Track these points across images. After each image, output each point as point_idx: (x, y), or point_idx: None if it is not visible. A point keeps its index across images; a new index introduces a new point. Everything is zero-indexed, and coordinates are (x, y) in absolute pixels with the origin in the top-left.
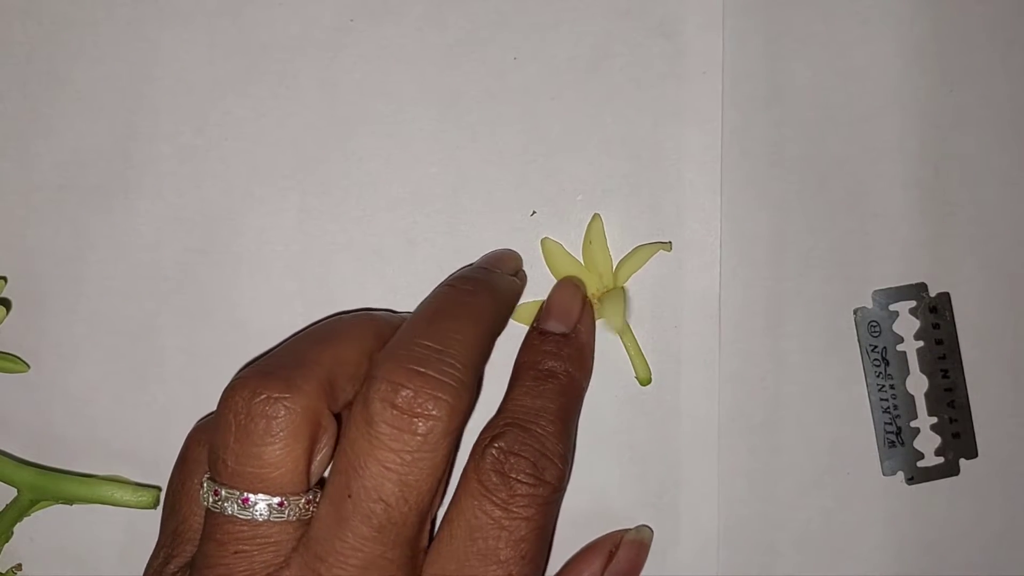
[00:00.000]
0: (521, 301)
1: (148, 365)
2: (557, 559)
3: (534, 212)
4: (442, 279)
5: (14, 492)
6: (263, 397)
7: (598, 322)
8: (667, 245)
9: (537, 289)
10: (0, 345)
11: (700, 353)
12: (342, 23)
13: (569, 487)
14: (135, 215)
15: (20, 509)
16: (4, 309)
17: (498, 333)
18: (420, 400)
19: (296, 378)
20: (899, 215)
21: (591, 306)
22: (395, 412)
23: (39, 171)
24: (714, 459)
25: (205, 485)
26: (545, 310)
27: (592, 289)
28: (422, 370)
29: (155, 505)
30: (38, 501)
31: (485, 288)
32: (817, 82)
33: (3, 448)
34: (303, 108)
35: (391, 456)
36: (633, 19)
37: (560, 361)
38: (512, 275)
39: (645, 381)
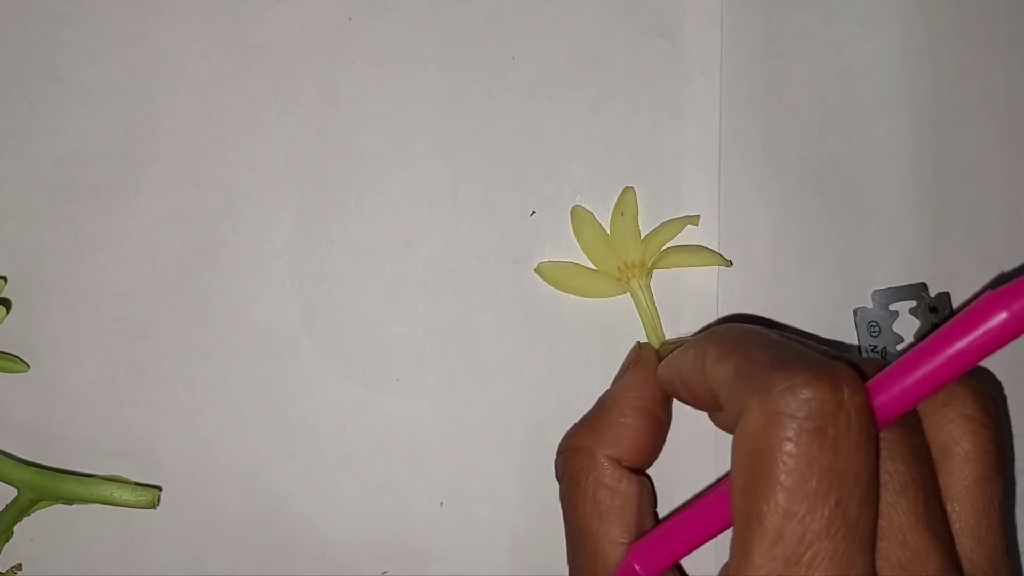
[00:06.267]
0: (545, 260)
1: (148, 365)
2: (549, 554)
3: (533, 212)
4: (441, 279)
5: (14, 492)
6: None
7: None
8: (695, 219)
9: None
10: (0, 345)
11: None
12: (341, 21)
13: None
14: (135, 215)
15: (20, 509)
16: (4, 309)
17: None
18: None
19: None
20: (899, 215)
21: None
22: None
23: (38, 170)
24: (712, 459)
25: None
26: None
27: (615, 261)
28: None
29: (154, 505)
30: (38, 501)
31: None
32: (816, 81)
33: (3, 448)
34: (302, 107)
35: None
36: (631, 18)
37: None
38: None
39: None
